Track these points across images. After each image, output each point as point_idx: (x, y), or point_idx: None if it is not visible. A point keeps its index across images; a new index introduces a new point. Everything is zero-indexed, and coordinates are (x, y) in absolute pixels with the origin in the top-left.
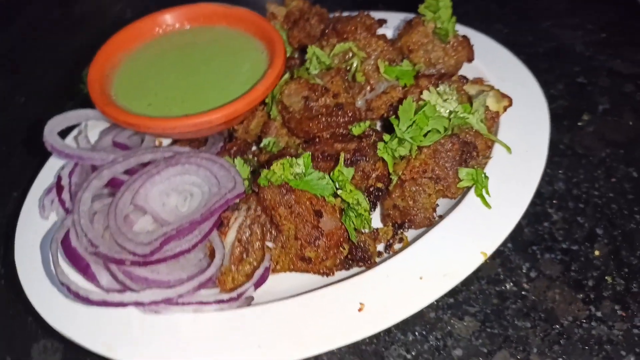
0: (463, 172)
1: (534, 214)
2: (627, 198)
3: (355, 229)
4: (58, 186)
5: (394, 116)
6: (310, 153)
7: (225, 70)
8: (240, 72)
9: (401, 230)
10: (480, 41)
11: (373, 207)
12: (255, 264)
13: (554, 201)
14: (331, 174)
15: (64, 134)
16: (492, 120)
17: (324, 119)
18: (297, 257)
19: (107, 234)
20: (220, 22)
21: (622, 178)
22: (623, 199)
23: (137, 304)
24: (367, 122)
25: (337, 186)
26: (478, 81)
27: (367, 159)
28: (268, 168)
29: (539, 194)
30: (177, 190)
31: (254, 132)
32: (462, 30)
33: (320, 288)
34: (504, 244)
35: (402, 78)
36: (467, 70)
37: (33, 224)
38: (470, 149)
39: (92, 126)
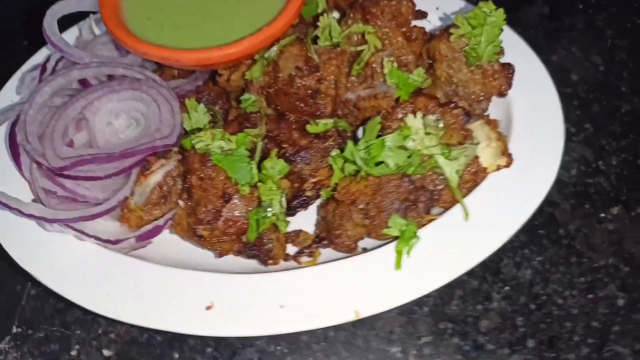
0: (394, 221)
1: (475, 290)
2: None
3: (257, 227)
4: (43, 67)
5: (364, 127)
6: (261, 130)
7: (239, 6)
8: (251, 13)
9: (318, 245)
10: (532, 71)
11: (292, 212)
12: (166, 212)
13: (506, 287)
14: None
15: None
16: (475, 175)
17: (294, 100)
18: (192, 229)
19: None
20: None
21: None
22: None
23: (19, 212)
24: (331, 123)
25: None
26: (492, 123)
27: (309, 162)
28: (229, 129)
29: (496, 271)
30: (128, 114)
31: (236, 84)
32: (517, 52)
33: (196, 271)
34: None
35: (401, 88)
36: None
37: (11, 98)
38: (421, 198)
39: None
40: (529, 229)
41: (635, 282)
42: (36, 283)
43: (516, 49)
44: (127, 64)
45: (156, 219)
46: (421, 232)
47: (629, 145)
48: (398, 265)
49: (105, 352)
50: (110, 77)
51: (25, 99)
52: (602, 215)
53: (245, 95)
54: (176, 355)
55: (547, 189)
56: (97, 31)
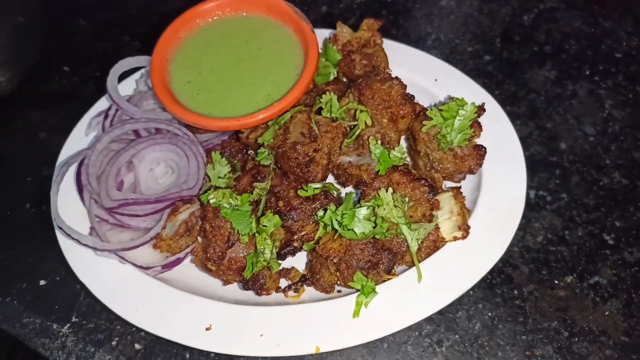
0: (357, 276)
1: (427, 334)
2: None
3: (252, 267)
4: (106, 113)
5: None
6: (267, 185)
7: (261, 75)
8: (269, 83)
9: (302, 284)
10: (508, 145)
11: (282, 258)
12: (189, 243)
13: (456, 335)
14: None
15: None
16: (434, 243)
17: (293, 165)
18: (203, 263)
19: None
20: (289, 24)
21: None
22: None
23: (78, 241)
24: (319, 188)
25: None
26: (458, 197)
27: (297, 220)
28: (244, 178)
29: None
30: (166, 163)
31: (253, 141)
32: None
33: (202, 297)
34: None
35: (382, 162)
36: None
37: (78, 141)
38: (382, 259)
39: None
40: (486, 285)
41: (570, 347)
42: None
43: (496, 120)
44: (169, 120)
45: (181, 249)
46: (380, 288)
47: (597, 219)
48: (356, 313)
49: (137, 346)
50: (158, 130)
51: (90, 144)
52: (556, 282)
53: (261, 150)
54: (187, 355)
55: (490, 265)
56: (150, 83)
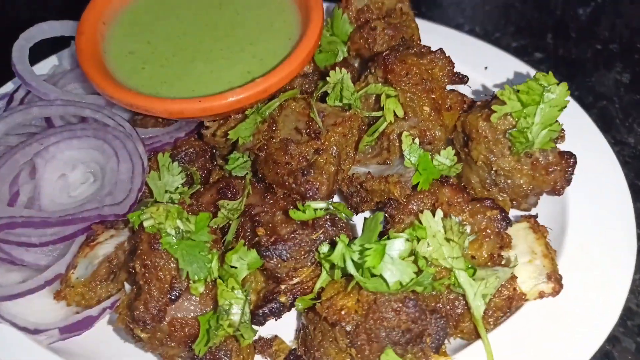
0: (388, 357)
1: None
2: None
3: (207, 339)
4: (11, 96)
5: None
6: (240, 204)
7: (238, 47)
8: (250, 57)
9: None
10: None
11: (259, 321)
12: (113, 292)
13: None
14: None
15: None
16: (509, 301)
17: (283, 173)
18: (129, 327)
19: None
20: None
21: None
22: None
23: None
24: (324, 210)
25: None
26: (539, 231)
27: (287, 259)
28: (206, 194)
29: None
30: (87, 166)
31: (222, 140)
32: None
33: None
34: None
35: (421, 172)
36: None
37: None
38: (430, 329)
39: None
40: None
41: None
42: None
43: (579, 129)
44: (97, 106)
45: (99, 301)
46: None
47: None
48: None
49: None
50: (84, 120)
51: None
52: None
53: (234, 154)
54: None
55: (607, 332)
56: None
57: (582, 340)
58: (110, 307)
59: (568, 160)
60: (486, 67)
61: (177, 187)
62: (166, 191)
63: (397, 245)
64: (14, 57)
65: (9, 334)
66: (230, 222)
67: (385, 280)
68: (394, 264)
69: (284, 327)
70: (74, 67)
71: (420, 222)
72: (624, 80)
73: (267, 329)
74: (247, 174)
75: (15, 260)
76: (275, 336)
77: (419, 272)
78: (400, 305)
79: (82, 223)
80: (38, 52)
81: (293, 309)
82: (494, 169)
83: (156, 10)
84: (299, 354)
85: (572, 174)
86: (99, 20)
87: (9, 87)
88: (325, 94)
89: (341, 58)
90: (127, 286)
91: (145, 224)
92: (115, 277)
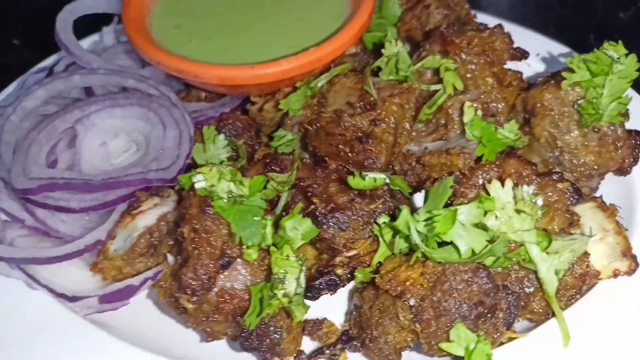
0: (459, 333)
1: None
2: None
3: (260, 310)
4: (50, 70)
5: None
6: (290, 177)
7: (285, 22)
8: (297, 32)
9: (345, 346)
10: None
11: (313, 296)
12: (151, 267)
13: None
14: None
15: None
16: (582, 280)
17: (338, 143)
18: (173, 297)
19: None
20: None
21: None
22: None
23: None
24: (384, 179)
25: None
26: (608, 210)
27: (345, 228)
28: (252, 169)
29: None
30: (129, 136)
31: (269, 116)
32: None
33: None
34: None
35: (485, 145)
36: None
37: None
38: (502, 304)
39: None
40: None
41: None
42: None
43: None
44: (142, 76)
45: (137, 274)
46: (497, 355)
47: None
48: None
49: None
50: (124, 90)
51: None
52: None
53: (280, 131)
54: None
55: None
56: (123, 38)
57: None
58: (152, 278)
59: (636, 137)
60: (538, 54)
61: (223, 161)
62: (211, 164)
63: (469, 210)
64: (57, 27)
65: (44, 302)
66: (280, 194)
67: (456, 248)
68: (465, 231)
69: (330, 312)
70: (116, 43)
71: (487, 193)
72: None
73: (314, 312)
74: (294, 150)
75: (49, 231)
76: (325, 318)
77: (491, 240)
78: (472, 275)
79: (125, 188)
80: (76, 31)
81: (341, 292)
82: (559, 145)
83: None
84: (353, 334)
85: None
86: None
87: (47, 61)
88: (377, 69)
89: (389, 38)
90: (169, 257)
91: (197, 185)
92: (155, 251)
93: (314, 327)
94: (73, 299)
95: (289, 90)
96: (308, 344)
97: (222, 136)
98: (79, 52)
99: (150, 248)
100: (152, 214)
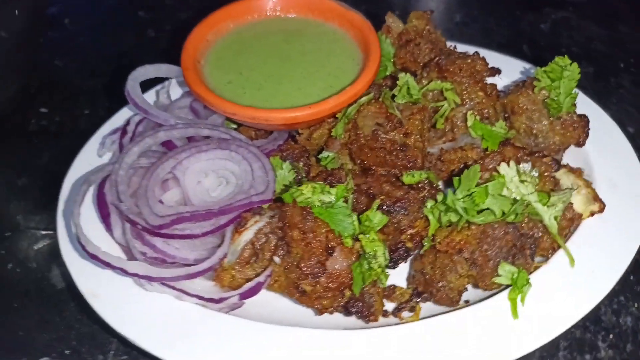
0: (504, 268)
1: (580, 340)
2: None
3: (362, 280)
4: (123, 130)
5: (458, 178)
6: (349, 185)
7: (314, 69)
8: (326, 75)
9: (417, 300)
10: (601, 122)
11: (393, 265)
12: (258, 271)
13: (610, 335)
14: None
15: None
16: (571, 221)
17: (382, 154)
18: (294, 285)
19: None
20: (333, 20)
21: None
22: None
23: (122, 271)
24: (424, 174)
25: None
26: (576, 172)
27: (407, 213)
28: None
29: (597, 320)
30: (217, 173)
31: (316, 142)
32: (584, 105)
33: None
34: None
35: (487, 140)
36: (573, 153)
37: (90, 160)
38: (526, 245)
39: (177, 84)
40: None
41: None
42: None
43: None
44: (212, 125)
45: (249, 278)
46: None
47: None
48: (515, 313)
49: None
50: (190, 140)
51: (109, 161)
52: None
53: (324, 153)
54: None
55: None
56: (173, 96)
57: (619, 250)
58: (269, 275)
59: (584, 119)
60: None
61: (291, 182)
62: (284, 185)
63: (494, 185)
64: (132, 94)
65: (192, 309)
66: (347, 199)
67: (492, 211)
68: (495, 199)
69: (396, 280)
70: (170, 103)
71: (498, 172)
72: (589, 71)
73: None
74: (342, 164)
75: (167, 258)
76: (394, 285)
77: (513, 202)
78: (505, 229)
79: (237, 211)
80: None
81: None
82: (534, 132)
83: (235, 48)
84: (421, 291)
85: (588, 128)
86: (194, 59)
87: (116, 122)
88: (393, 95)
89: (389, 72)
90: (276, 259)
91: (299, 199)
92: (257, 259)
93: (390, 291)
94: (219, 300)
95: (330, 120)
96: (387, 305)
97: (287, 163)
98: (156, 112)
99: (253, 256)
100: (251, 229)
